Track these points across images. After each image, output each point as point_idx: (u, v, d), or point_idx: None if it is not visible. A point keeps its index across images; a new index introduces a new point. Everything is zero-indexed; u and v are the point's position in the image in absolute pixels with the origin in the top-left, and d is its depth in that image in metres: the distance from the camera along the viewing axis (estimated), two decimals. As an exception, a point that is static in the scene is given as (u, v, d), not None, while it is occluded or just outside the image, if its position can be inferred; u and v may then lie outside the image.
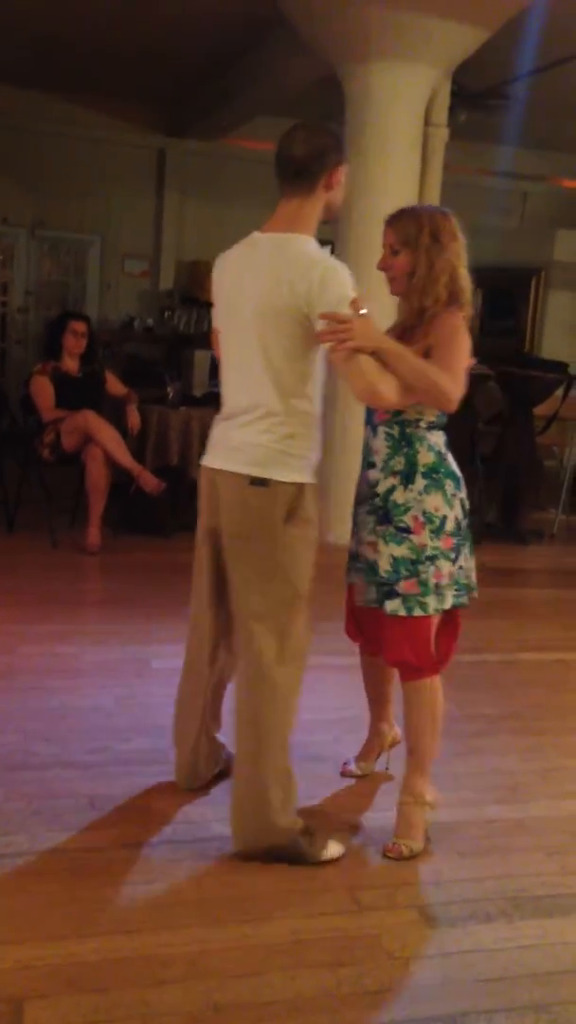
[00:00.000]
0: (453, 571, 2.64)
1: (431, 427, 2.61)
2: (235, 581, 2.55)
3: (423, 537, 2.57)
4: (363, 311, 2.39)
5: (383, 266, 2.69)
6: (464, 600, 2.73)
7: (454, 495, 2.62)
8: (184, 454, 5.83)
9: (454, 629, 2.79)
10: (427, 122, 5.85)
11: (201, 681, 2.77)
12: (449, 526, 2.60)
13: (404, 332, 2.65)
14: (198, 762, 2.84)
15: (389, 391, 2.40)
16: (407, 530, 2.58)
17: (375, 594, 2.74)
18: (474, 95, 6.90)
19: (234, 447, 2.50)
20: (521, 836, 2.77)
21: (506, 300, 10.29)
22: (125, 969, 2.08)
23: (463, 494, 2.67)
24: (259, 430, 2.46)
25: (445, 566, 2.61)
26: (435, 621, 2.66)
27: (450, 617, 2.76)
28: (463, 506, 2.66)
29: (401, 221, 2.63)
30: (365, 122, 5.70)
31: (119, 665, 3.80)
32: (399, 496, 2.58)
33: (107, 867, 2.46)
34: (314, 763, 3.10)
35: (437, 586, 2.60)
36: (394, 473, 2.59)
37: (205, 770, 2.87)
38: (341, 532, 6.32)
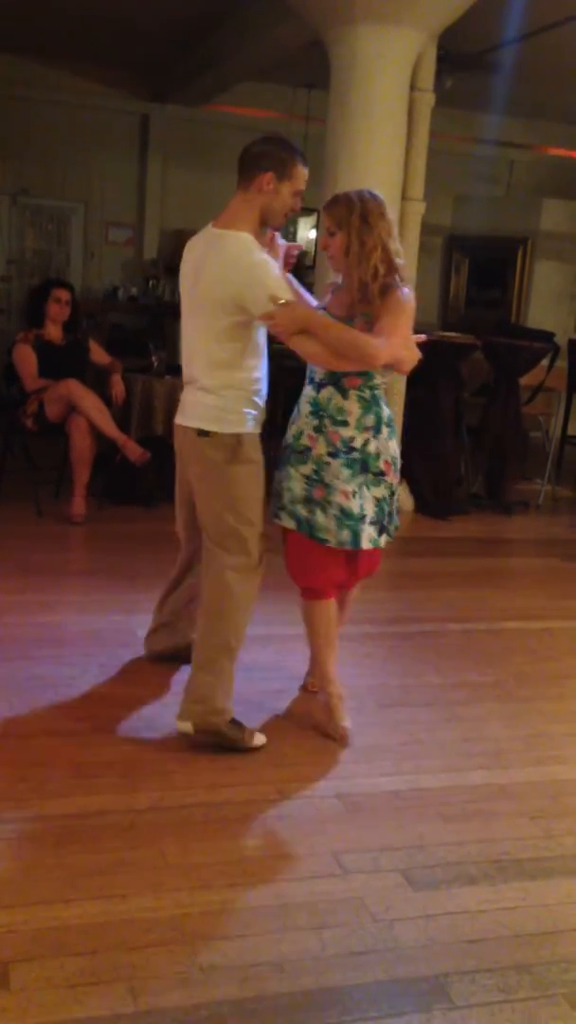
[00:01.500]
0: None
1: (383, 388, 3.04)
2: (198, 512, 3.08)
3: (392, 476, 3.04)
4: (282, 301, 2.79)
5: (323, 246, 3.06)
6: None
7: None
8: (168, 424, 5.76)
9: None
10: (413, 87, 5.78)
11: (176, 579, 3.45)
12: (399, 464, 3.10)
13: (350, 307, 2.96)
14: (157, 630, 3.51)
15: (327, 358, 2.86)
16: (382, 474, 3.01)
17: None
18: (460, 60, 6.82)
19: (188, 406, 3.05)
20: (504, 801, 2.79)
21: (492, 270, 10.25)
22: (110, 933, 2.09)
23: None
24: (201, 395, 2.98)
25: (395, 500, 3.12)
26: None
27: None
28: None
29: (335, 206, 2.94)
30: (350, 87, 5.63)
31: (104, 634, 3.79)
32: (372, 447, 2.97)
33: (92, 833, 2.47)
34: (302, 731, 3.12)
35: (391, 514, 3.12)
36: (367, 428, 2.96)
37: (159, 641, 3.53)
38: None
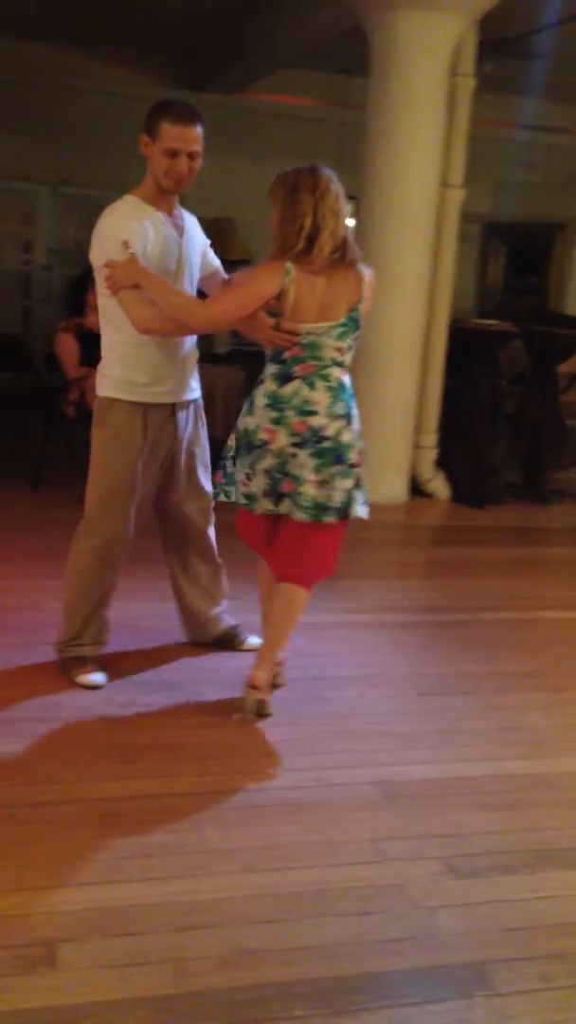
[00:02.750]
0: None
1: (269, 359, 2.97)
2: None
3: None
4: (130, 251, 2.89)
5: None
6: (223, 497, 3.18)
7: (242, 416, 3.02)
8: (208, 412, 5.81)
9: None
10: (453, 72, 5.74)
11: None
12: (230, 439, 3.08)
13: None
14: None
15: (150, 319, 2.91)
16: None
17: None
18: (500, 44, 6.75)
19: None
20: (544, 790, 2.79)
21: (530, 257, 10.15)
22: (154, 915, 2.13)
23: (251, 420, 2.99)
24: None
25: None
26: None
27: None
28: (240, 428, 3.04)
29: (272, 182, 2.90)
30: (390, 73, 5.60)
31: (142, 620, 3.82)
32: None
33: (135, 817, 2.50)
34: (341, 719, 3.14)
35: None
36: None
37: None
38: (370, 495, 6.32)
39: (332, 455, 2.91)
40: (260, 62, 8.05)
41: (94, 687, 3.21)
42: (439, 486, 6.38)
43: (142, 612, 3.87)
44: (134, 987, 1.91)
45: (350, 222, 11.22)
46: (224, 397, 5.72)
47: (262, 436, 2.92)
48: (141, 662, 3.47)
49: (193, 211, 3.30)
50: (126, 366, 3.07)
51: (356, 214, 6.07)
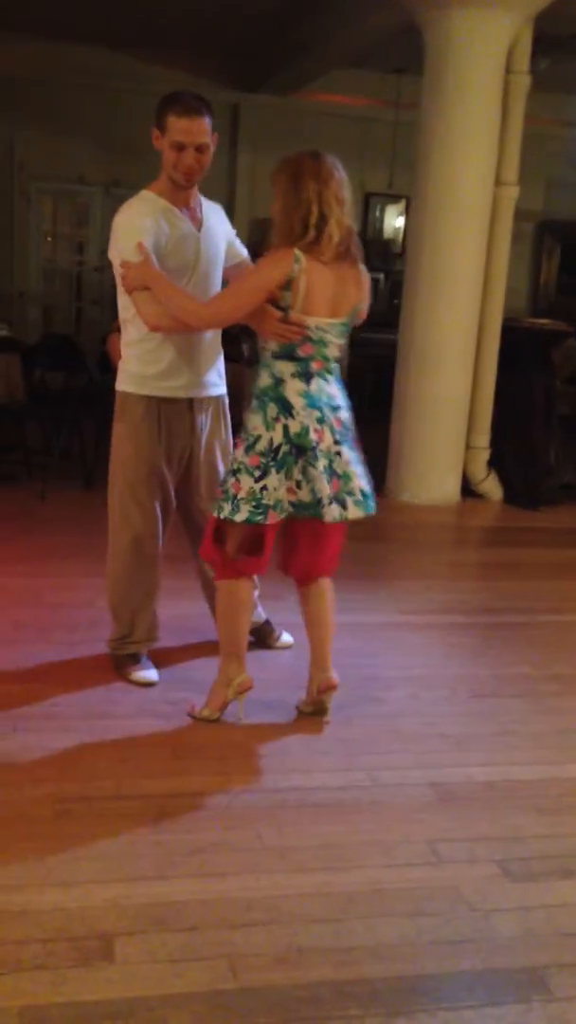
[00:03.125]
0: (253, 488, 2.82)
1: (276, 356, 2.85)
2: None
3: (238, 452, 2.88)
4: (144, 253, 2.91)
5: None
6: (260, 518, 2.85)
7: (276, 419, 2.82)
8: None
9: (307, 543, 3.02)
10: (508, 70, 5.69)
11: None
12: (260, 446, 2.82)
13: None
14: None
15: (159, 317, 2.92)
16: (235, 445, 2.96)
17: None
18: (555, 41, 6.68)
19: None
20: (601, 795, 2.75)
21: (585, 256, 10.04)
22: (209, 911, 2.13)
23: (296, 423, 2.81)
24: None
25: (246, 481, 2.83)
26: (231, 527, 2.91)
27: (290, 532, 3.00)
28: (287, 432, 2.81)
29: (274, 169, 2.86)
30: (444, 71, 5.57)
31: (196, 620, 3.84)
32: (246, 416, 2.90)
33: (189, 813, 2.51)
34: (394, 720, 3.12)
35: (235, 497, 2.84)
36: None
37: None
38: (416, 491, 6.29)
39: (357, 446, 2.94)
40: (314, 63, 8.06)
41: (147, 684, 3.23)
42: (492, 487, 6.33)
43: (194, 610, 3.89)
44: (189, 982, 1.92)
45: (398, 222, 11.12)
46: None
47: (312, 437, 2.81)
48: (194, 659, 3.48)
49: (245, 211, 3.31)
50: (141, 361, 3.11)
51: (408, 212, 6.04)
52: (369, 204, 9.65)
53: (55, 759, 2.73)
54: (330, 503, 2.86)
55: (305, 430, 2.80)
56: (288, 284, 2.74)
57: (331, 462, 2.86)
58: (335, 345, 2.87)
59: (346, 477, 2.89)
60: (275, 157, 2.92)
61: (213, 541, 2.96)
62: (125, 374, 3.15)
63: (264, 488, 2.82)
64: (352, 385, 3.33)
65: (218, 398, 3.31)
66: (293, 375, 2.83)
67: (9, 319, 7.51)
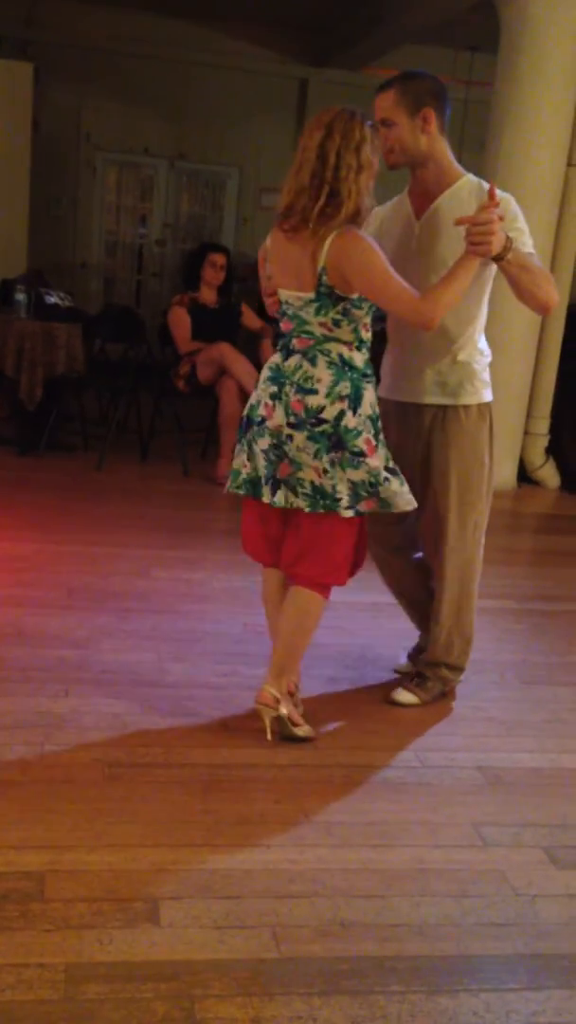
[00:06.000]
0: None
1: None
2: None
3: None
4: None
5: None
6: (233, 489, 2.82)
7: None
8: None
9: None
10: (585, 49, 5.57)
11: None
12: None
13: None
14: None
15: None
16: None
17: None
18: None
19: None
20: None
21: None
22: (254, 880, 2.15)
23: (254, 395, 2.74)
24: None
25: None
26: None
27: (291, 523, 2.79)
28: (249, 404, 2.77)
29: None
30: (520, 49, 5.47)
31: (245, 593, 3.85)
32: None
33: (237, 784, 2.53)
34: (444, 703, 3.11)
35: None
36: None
37: None
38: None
39: (329, 440, 2.58)
40: (386, 37, 7.96)
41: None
42: (549, 474, 6.25)
43: (248, 585, 3.91)
44: (233, 948, 1.94)
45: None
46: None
47: (260, 412, 2.66)
48: (243, 631, 3.50)
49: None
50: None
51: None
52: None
53: (105, 724, 2.76)
54: (268, 483, 2.68)
55: (257, 403, 2.69)
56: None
57: (280, 443, 2.63)
58: (319, 324, 2.59)
59: (296, 465, 2.63)
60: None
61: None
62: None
63: (237, 459, 2.81)
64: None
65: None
66: (277, 348, 2.73)
67: (71, 290, 7.56)
